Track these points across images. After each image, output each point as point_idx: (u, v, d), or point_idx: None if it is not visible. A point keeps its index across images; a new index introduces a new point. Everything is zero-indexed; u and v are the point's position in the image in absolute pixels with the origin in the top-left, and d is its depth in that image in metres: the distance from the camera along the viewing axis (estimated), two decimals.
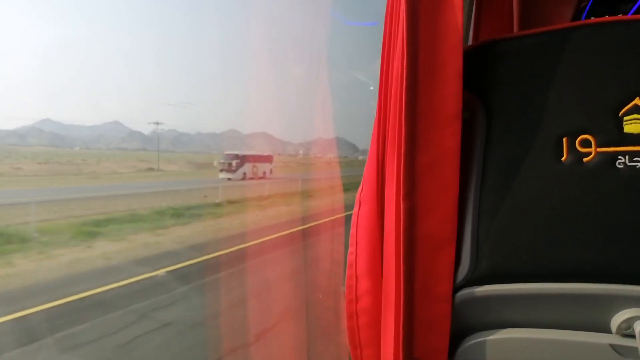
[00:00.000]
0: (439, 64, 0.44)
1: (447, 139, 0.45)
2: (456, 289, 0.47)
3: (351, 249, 0.58)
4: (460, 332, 0.47)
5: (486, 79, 0.47)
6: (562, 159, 0.43)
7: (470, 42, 0.77)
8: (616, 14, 1.21)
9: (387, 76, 0.54)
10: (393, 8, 0.53)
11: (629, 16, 0.42)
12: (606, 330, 0.42)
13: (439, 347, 0.47)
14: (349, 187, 3.31)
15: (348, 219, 0.62)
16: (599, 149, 0.42)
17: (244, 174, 15.89)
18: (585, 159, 0.42)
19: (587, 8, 1.22)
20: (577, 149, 0.43)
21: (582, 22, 0.44)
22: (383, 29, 0.56)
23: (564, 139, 0.43)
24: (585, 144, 0.42)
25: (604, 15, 1.24)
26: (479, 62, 0.48)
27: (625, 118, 0.41)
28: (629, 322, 0.41)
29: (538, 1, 1.07)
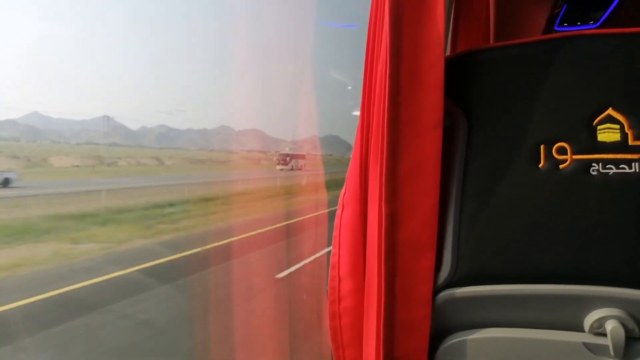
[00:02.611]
0: (421, 73, 0.45)
1: (428, 146, 0.45)
2: (437, 290, 0.48)
3: (334, 251, 0.58)
4: (440, 332, 0.48)
5: (466, 87, 0.48)
6: (540, 165, 0.44)
7: (448, 50, 0.78)
8: (588, 21, 1.24)
9: (371, 82, 0.54)
10: (377, 13, 0.53)
11: (603, 30, 0.44)
12: (580, 329, 0.44)
13: (419, 347, 0.48)
14: None
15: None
16: (574, 156, 0.43)
17: (292, 167, 22.62)
18: (561, 166, 0.44)
19: (561, 15, 1.25)
20: (553, 156, 0.44)
21: (558, 34, 0.45)
22: (367, 33, 0.56)
23: (542, 147, 0.44)
24: (562, 151, 0.44)
25: (576, 22, 1.27)
26: (460, 71, 0.48)
27: (599, 127, 0.43)
28: (601, 321, 0.42)
29: (514, 8, 1.08)
